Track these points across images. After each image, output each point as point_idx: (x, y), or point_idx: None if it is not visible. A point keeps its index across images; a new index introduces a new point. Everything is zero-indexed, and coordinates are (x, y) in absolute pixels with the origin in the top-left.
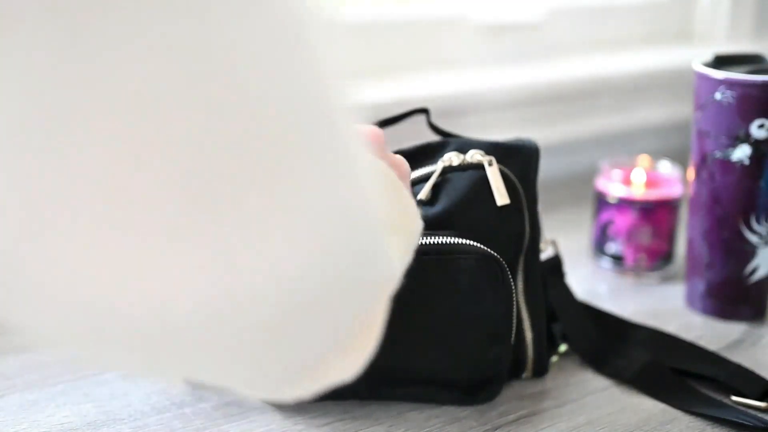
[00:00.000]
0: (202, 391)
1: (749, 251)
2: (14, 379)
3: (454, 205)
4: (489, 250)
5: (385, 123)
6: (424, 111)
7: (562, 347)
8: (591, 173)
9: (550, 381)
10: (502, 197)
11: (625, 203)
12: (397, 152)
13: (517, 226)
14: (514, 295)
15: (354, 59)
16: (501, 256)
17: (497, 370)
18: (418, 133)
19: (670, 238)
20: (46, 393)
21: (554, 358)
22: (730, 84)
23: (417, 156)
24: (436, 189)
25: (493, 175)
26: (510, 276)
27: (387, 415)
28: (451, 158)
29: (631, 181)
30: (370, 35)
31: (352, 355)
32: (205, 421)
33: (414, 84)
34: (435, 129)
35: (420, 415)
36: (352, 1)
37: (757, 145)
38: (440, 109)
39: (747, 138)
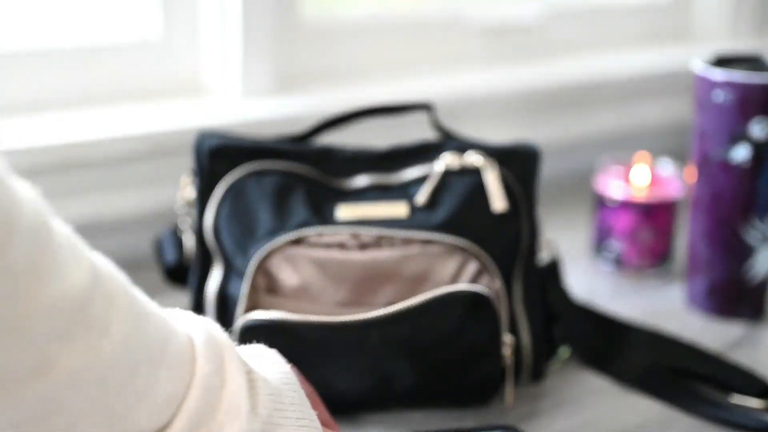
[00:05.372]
0: None
1: (749, 251)
2: None
3: (453, 213)
4: (471, 288)
5: (385, 111)
6: (427, 107)
7: (565, 353)
8: (591, 173)
9: (549, 381)
10: (499, 203)
11: (625, 203)
12: (395, 148)
13: (515, 232)
14: (499, 318)
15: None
16: (498, 262)
17: (487, 381)
18: (417, 130)
19: (670, 238)
20: None
21: (556, 364)
22: (730, 84)
23: (415, 153)
24: (434, 191)
25: (491, 180)
26: (494, 304)
27: (387, 415)
28: (450, 160)
29: (631, 181)
30: (370, 36)
31: None
32: None
33: (413, 84)
34: (438, 127)
35: (420, 415)
36: (352, 2)
37: (757, 145)
38: (439, 110)
39: (747, 138)
